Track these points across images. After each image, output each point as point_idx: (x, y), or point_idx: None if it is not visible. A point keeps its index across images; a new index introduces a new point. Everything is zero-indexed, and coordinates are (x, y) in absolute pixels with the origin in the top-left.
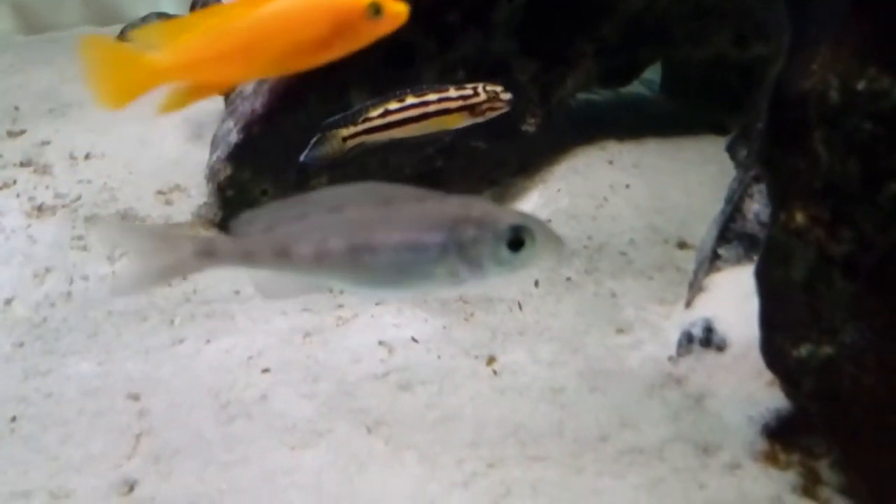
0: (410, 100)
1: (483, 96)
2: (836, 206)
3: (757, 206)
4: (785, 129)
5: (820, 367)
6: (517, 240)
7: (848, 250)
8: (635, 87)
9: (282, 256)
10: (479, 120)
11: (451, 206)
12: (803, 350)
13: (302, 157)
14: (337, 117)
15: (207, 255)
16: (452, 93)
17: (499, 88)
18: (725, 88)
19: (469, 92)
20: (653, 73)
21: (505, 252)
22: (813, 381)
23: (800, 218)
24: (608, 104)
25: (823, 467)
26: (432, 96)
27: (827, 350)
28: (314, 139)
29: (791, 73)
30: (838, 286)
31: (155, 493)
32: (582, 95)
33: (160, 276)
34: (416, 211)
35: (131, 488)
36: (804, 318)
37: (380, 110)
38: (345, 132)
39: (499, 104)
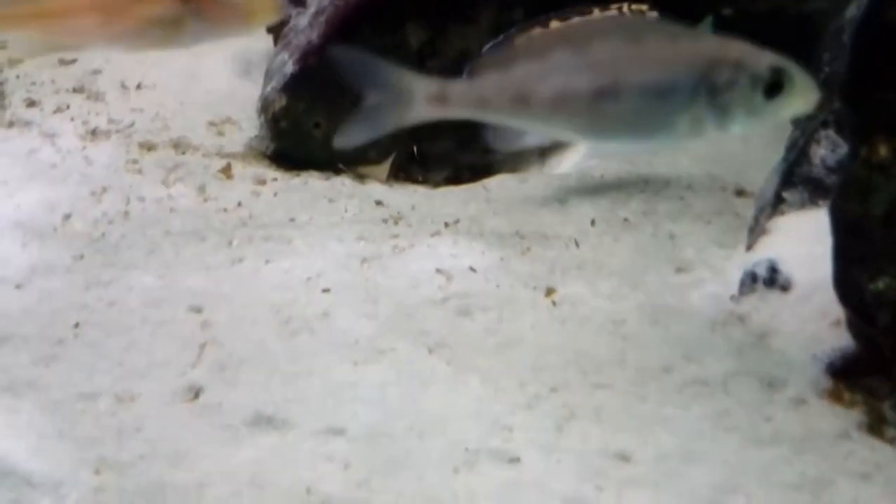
0: (555, 24)
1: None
2: None
3: (823, 152)
4: (872, 61)
5: None
6: (776, 84)
7: None
8: None
9: (519, 102)
10: None
11: (706, 45)
12: (881, 283)
13: None
14: (487, 47)
15: (439, 102)
16: (597, 14)
17: (644, 7)
18: (776, 44)
19: (614, 13)
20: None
21: (759, 98)
22: (889, 315)
23: (883, 151)
24: None
25: (887, 408)
26: (577, 20)
27: None
28: (465, 72)
29: (882, 1)
30: None
31: (221, 400)
32: None
33: (388, 125)
34: (666, 50)
35: (197, 395)
36: (883, 252)
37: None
38: None
39: None
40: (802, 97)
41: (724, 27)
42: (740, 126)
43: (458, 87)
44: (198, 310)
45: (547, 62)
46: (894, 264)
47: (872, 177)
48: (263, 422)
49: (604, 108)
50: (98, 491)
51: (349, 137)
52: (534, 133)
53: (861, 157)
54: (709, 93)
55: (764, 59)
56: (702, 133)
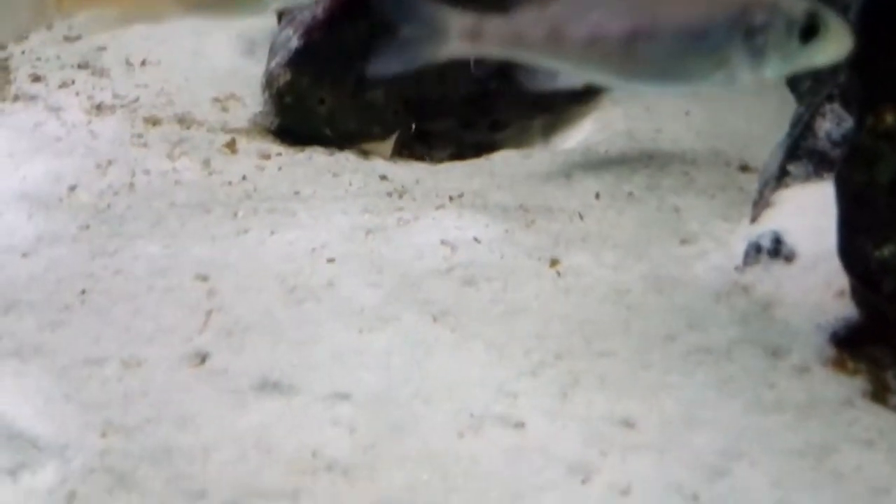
0: None
1: None
2: None
3: (829, 125)
4: (879, 28)
5: None
6: (811, 27)
7: None
8: None
9: (552, 41)
10: None
11: None
12: (886, 251)
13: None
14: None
15: (473, 37)
16: None
17: None
18: None
19: None
20: None
21: (794, 42)
22: (894, 282)
23: (890, 119)
24: None
25: (891, 377)
26: None
27: None
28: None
29: None
30: None
31: (227, 365)
32: None
33: (421, 58)
34: None
35: (203, 360)
36: (888, 220)
37: None
38: None
39: None
40: (837, 43)
41: None
42: (774, 71)
43: (493, 24)
44: (204, 278)
45: (583, 1)
46: None
47: (878, 145)
48: (269, 387)
49: (638, 50)
50: (104, 454)
51: (382, 67)
52: (566, 74)
53: (867, 125)
54: (744, 36)
55: (799, 4)
56: (736, 78)
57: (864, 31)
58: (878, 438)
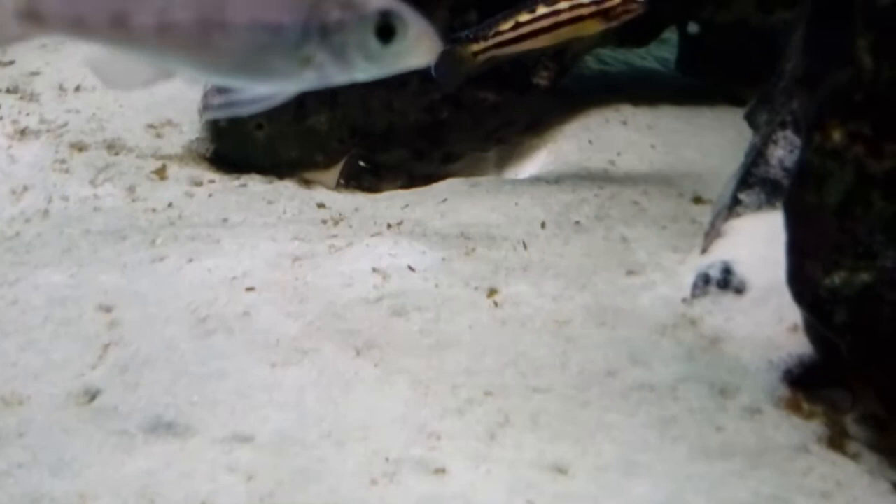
0: (542, 10)
1: (617, 0)
2: (880, 120)
3: (781, 152)
4: (825, 41)
5: (855, 296)
6: (387, 27)
7: (891, 166)
8: (650, 64)
9: (118, 26)
10: (614, 24)
11: None
12: (836, 278)
13: (434, 75)
14: (466, 32)
15: (31, 18)
16: None
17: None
18: (744, 63)
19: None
20: (667, 52)
21: (374, 43)
22: (846, 313)
23: (837, 136)
24: (622, 74)
25: (850, 422)
26: (564, 4)
27: (863, 277)
28: (437, 57)
29: None
30: (878, 207)
31: (118, 403)
32: (595, 65)
33: None
34: None
35: (93, 397)
36: (838, 244)
37: (510, 23)
38: (475, 47)
39: (633, 6)
40: (419, 45)
41: (687, 49)
42: (363, 72)
43: (51, 5)
44: (107, 309)
45: None
46: (850, 257)
47: (826, 164)
48: (162, 428)
49: (211, 43)
50: None
51: None
52: (145, 65)
53: (814, 143)
54: (321, 33)
55: (374, 2)
56: (327, 77)
57: (810, 47)
58: (836, 490)
